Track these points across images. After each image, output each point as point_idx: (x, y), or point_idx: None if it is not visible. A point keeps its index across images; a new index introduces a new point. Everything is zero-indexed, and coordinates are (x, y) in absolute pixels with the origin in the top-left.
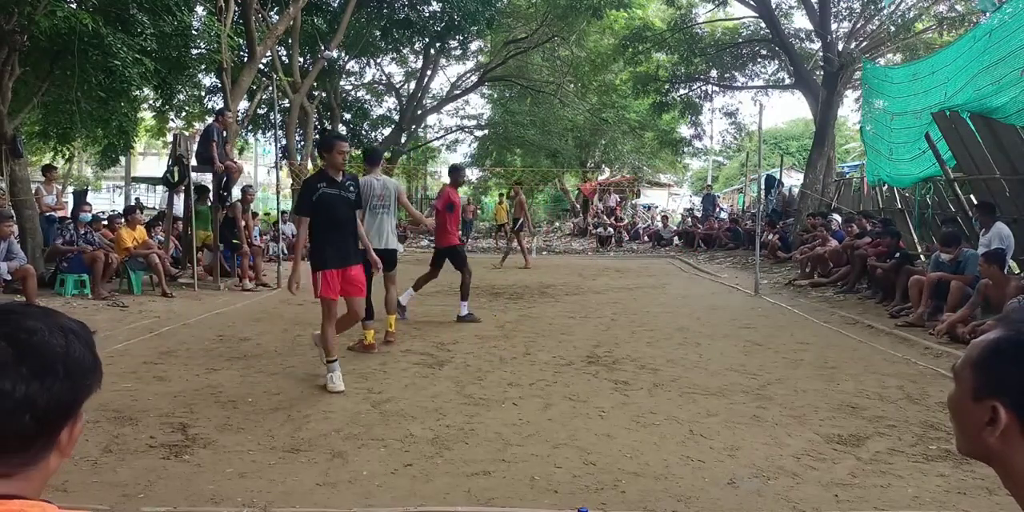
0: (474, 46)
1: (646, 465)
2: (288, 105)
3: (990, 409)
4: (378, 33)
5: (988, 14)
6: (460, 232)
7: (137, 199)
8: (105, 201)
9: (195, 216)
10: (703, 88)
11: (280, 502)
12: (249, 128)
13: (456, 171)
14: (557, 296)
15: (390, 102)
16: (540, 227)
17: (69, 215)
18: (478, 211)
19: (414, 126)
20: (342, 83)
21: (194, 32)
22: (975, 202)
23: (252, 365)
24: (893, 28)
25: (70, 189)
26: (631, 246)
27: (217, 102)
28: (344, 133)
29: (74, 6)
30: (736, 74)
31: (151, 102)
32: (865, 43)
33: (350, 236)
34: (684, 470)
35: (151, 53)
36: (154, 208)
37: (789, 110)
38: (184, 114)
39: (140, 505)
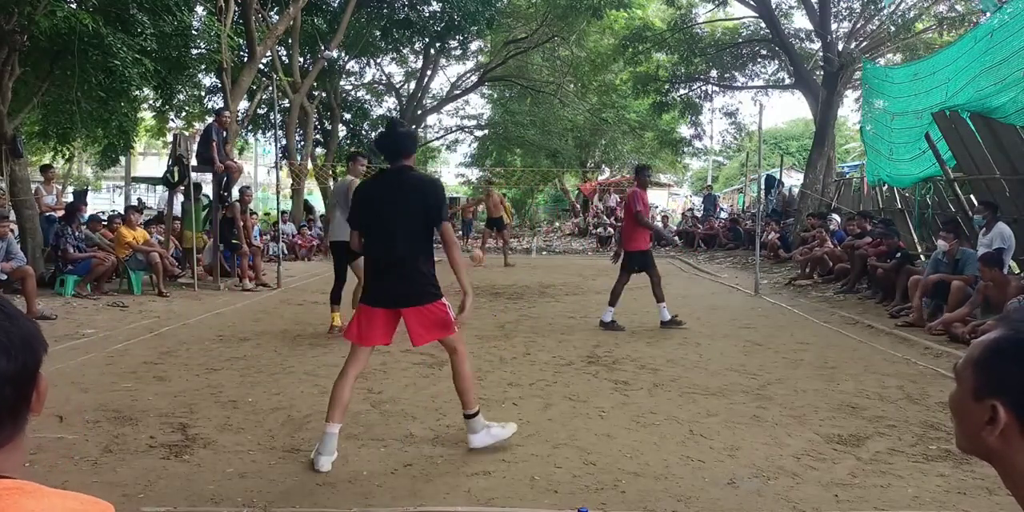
0: (474, 46)
1: (646, 465)
2: (288, 105)
3: (990, 408)
4: (378, 33)
5: (988, 14)
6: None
7: (139, 199)
8: (105, 201)
9: (183, 215)
10: (703, 88)
11: (280, 502)
12: (249, 128)
13: (647, 172)
14: (557, 296)
15: (390, 102)
16: (540, 227)
17: (65, 217)
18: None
19: (414, 126)
20: (342, 83)
21: (194, 32)
22: (975, 202)
23: (252, 365)
24: (893, 28)
25: (70, 189)
26: None
27: (217, 102)
28: (344, 133)
29: (74, 6)
30: (736, 74)
31: (151, 102)
32: (865, 43)
33: None
34: (684, 470)
35: (151, 53)
36: (153, 208)
37: (789, 110)
38: (184, 114)
39: (140, 505)
